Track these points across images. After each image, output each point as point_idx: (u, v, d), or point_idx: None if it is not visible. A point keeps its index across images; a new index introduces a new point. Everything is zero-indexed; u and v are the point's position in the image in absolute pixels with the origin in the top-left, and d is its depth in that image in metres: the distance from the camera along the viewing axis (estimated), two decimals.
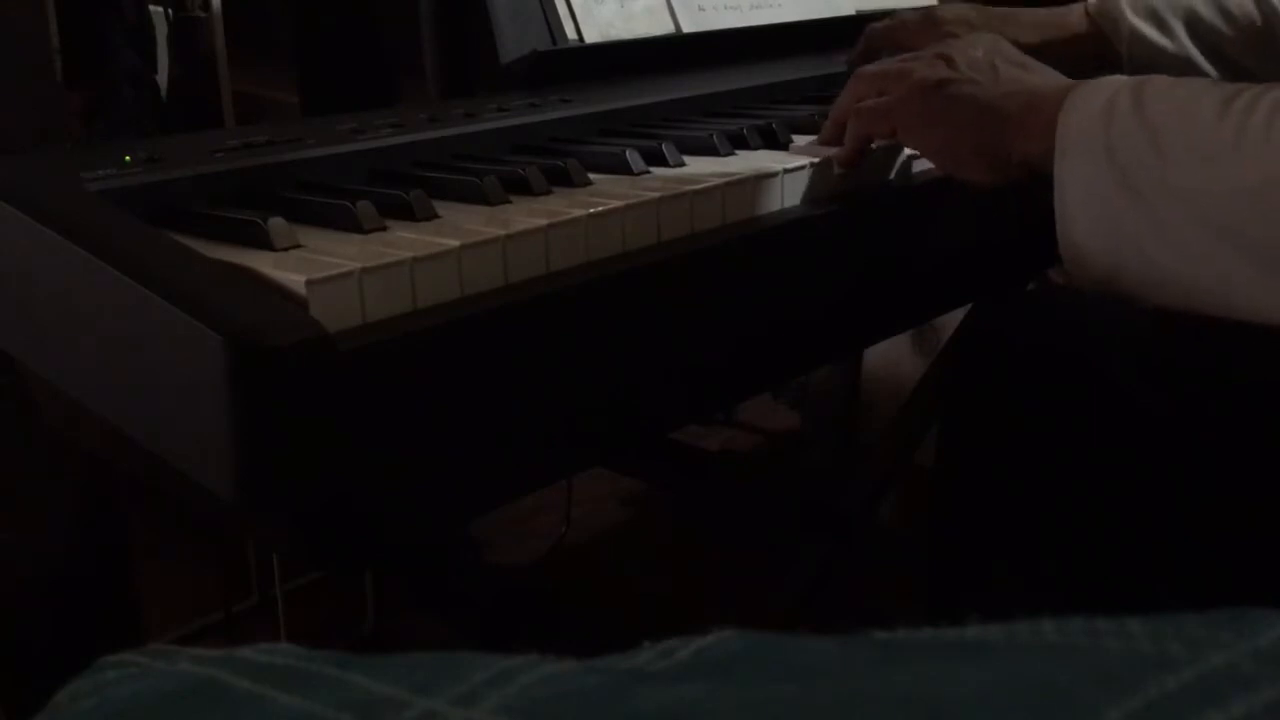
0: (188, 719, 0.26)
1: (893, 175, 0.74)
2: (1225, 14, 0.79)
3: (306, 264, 0.47)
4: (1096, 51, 0.80)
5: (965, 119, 0.63)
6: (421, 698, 0.23)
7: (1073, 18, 0.83)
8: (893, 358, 1.64)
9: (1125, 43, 0.78)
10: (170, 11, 1.14)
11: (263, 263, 0.48)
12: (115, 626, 0.96)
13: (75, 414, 0.55)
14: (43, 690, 0.29)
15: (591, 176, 0.63)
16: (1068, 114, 0.58)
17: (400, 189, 0.56)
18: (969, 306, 0.94)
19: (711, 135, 0.71)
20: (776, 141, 0.73)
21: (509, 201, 0.58)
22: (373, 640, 1.39)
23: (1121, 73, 0.78)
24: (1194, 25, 0.79)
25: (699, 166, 0.67)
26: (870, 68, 0.70)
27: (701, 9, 0.97)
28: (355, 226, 0.53)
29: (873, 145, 0.69)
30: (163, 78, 1.15)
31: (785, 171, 0.65)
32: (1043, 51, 0.80)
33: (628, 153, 0.65)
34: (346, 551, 0.49)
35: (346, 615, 1.42)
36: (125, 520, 0.97)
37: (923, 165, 0.75)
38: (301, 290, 0.45)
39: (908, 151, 0.74)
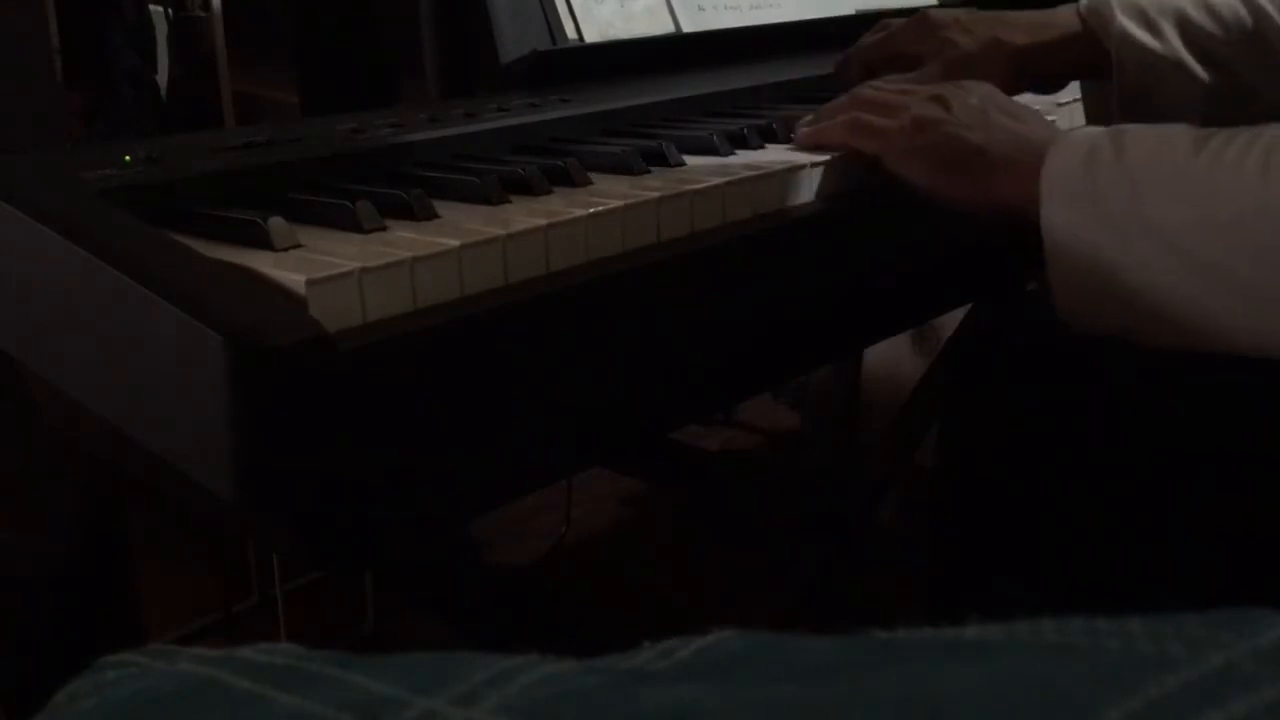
0: (188, 719, 0.26)
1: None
2: (1215, 16, 0.79)
3: (306, 264, 0.47)
4: (1086, 52, 0.80)
5: (951, 161, 0.64)
6: (421, 698, 0.23)
7: (1063, 18, 0.82)
8: (893, 358, 1.64)
9: (1114, 43, 0.78)
10: (170, 11, 1.14)
11: (263, 263, 0.48)
12: (115, 626, 0.96)
13: (75, 414, 0.55)
14: (43, 690, 0.29)
15: (591, 176, 0.63)
16: (1051, 160, 0.59)
17: (400, 189, 0.56)
18: (969, 306, 0.94)
19: (711, 135, 0.71)
20: (777, 141, 0.73)
21: (509, 201, 0.58)
22: (373, 640, 1.39)
23: (1111, 74, 0.78)
24: (1184, 27, 0.79)
25: (699, 166, 0.67)
26: (867, 91, 0.71)
27: (701, 9, 0.97)
28: (355, 226, 0.53)
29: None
30: (163, 78, 1.15)
31: (785, 171, 0.65)
32: (1034, 52, 0.80)
33: (628, 152, 0.65)
34: (346, 551, 0.49)
35: (346, 615, 1.42)
36: (125, 520, 0.97)
37: None
38: (301, 290, 0.45)
39: None
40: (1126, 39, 0.79)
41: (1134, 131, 0.59)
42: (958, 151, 0.64)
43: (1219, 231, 0.53)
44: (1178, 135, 0.57)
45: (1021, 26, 0.82)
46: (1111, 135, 0.59)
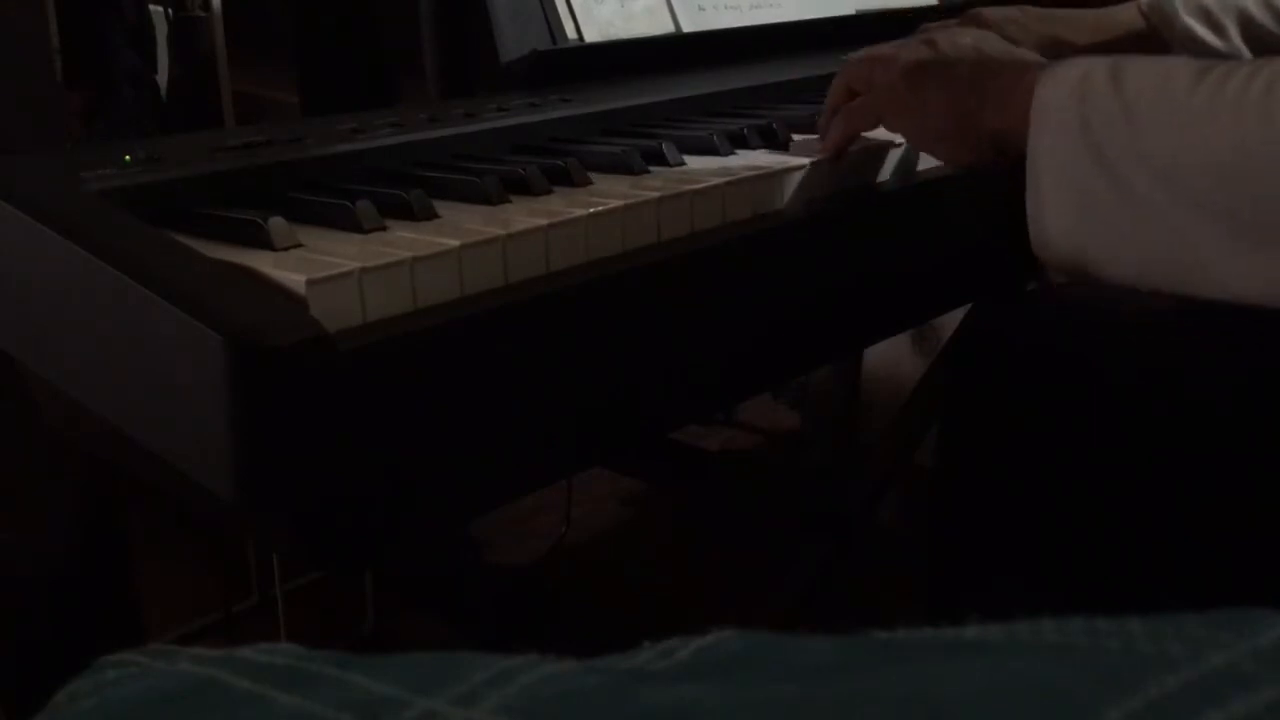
0: (188, 719, 0.26)
1: (893, 174, 0.74)
2: (1277, 15, 0.79)
3: (306, 264, 0.47)
4: (1149, 50, 0.79)
5: (942, 96, 0.63)
6: (421, 698, 0.23)
7: (1126, 16, 0.82)
8: (893, 358, 1.64)
9: (1178, 41, 0.78)
10: (170, 11, 1.14)
11: (263, 262, 0.48)
12: (115, 626, 0.96)
13: (75, 414, 0.55)
14: (43, 690, 0.29)
15: (591, 176, 0.63)
16: (1042, 88, 0.57)
17: (400, 189, 0.56)
18: (969, 306, 0.94)
19: (711, 135, 0.71)
20: (776, 141, 0.73)
21: (509, 201, 0.58)
22: (373, 640, 1.39)
23: None
24: (1246, 26, 0.79)
25: (699, 166, 0.67)
26: (858, 54, 0.70)
27: (701, 9, 0.97)
28: (355, 226, 0.53)
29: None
30: (163, 78, 1.15)
31: (785, 171, 0.65)
32: (1097, 51, 0.80)
33: (628, 152, 0.65)
34: (346, 551, 0.49)
35: (346, 615, 1.42)
36: (125, 520, 0.97)
37: (923, 165, 0.75)
38: (301, 290, 0.45)
39: (907, 150, 0.74)
40: (1190, 37, 0.78)
41: (1133, 61, 0.57)
42: (945, 88, 0.63)
43: (1218, 166, 0.51)
44: (1177, 67, 0.55)
45: (1082, 25, 0.82)
46: (1109, 64, 0.57)
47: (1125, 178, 0.54)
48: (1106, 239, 0.55)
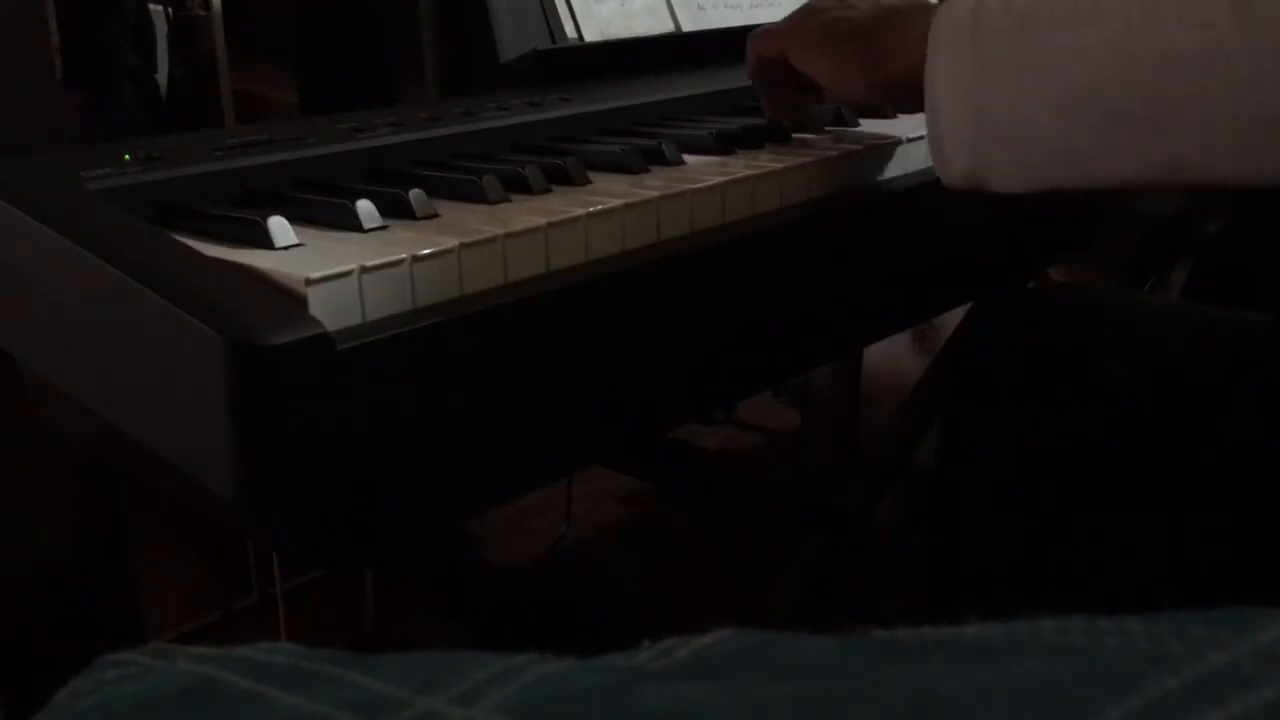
0: (188, 718, 0.26)
1: (893, 173, 0.74)
2: None
3: (306, 262, 0.47)
4: None
5: (843, 38, 0.66)
6: (421, 697, 0.23)
7: None
8: (893, 358, 1.64)
9: None
10: (170, 11, 1.14)
11: (263, 261, 0.48)
12: (115, 626, 0.96)
13: (75, 413, 0.55)
14: (43, 690, 0.29)
15: (591, 175, 0.63)
16: (939, 18, 0.60)
17: (400, 188, 0.56)
18: (969, 306, 0.94)
19: (711, 134, 0.71)
20: (776, 140, 0.73)
21: (508, 200, 0.58)
22: (373, 640, 1.39)
23: None
24: None
25: (698, 165, 0.67)
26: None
27: (701, 8, 0.97)
28: (355, 225, 0.53)
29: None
30: (163, 77, 1.15)
31: (785, 170, 0.65)
32: None
33: (627, 151, 0.65)
34: (346, 551, 0.49)
35: (346, 615, 1.42)
36: (125, 520, 0.97)
37: (924, 164, 0.75)
38: (301, 289, 0.45)
39: (908, 149, 0.74)
40: None
41: None
42: (848, 30, 0.66)
43: (1096, 60, 0.53)
44: None
45: None
46: None
47: (1012, 80, 0.56)
48: (1001, 149, 0.58)
